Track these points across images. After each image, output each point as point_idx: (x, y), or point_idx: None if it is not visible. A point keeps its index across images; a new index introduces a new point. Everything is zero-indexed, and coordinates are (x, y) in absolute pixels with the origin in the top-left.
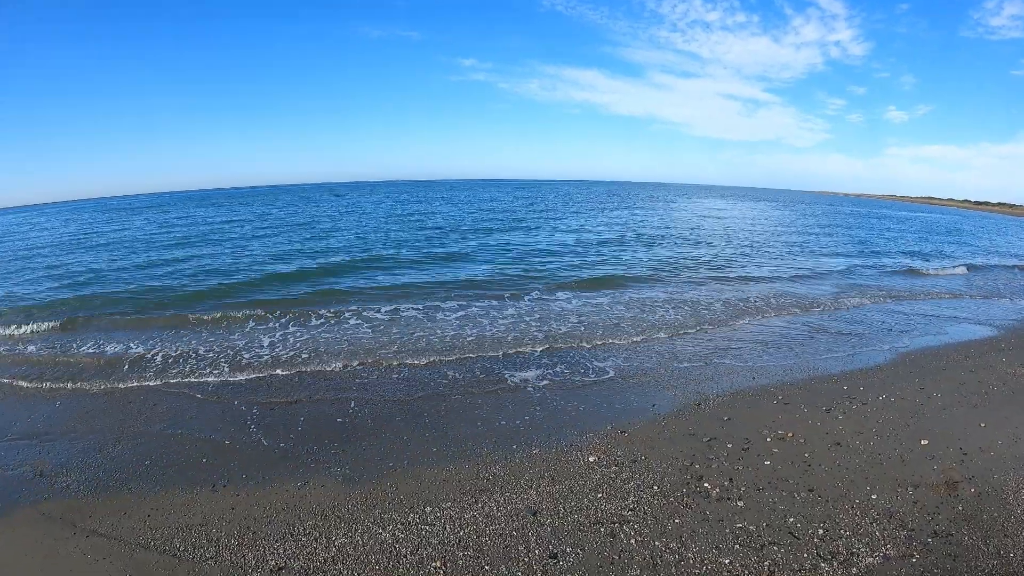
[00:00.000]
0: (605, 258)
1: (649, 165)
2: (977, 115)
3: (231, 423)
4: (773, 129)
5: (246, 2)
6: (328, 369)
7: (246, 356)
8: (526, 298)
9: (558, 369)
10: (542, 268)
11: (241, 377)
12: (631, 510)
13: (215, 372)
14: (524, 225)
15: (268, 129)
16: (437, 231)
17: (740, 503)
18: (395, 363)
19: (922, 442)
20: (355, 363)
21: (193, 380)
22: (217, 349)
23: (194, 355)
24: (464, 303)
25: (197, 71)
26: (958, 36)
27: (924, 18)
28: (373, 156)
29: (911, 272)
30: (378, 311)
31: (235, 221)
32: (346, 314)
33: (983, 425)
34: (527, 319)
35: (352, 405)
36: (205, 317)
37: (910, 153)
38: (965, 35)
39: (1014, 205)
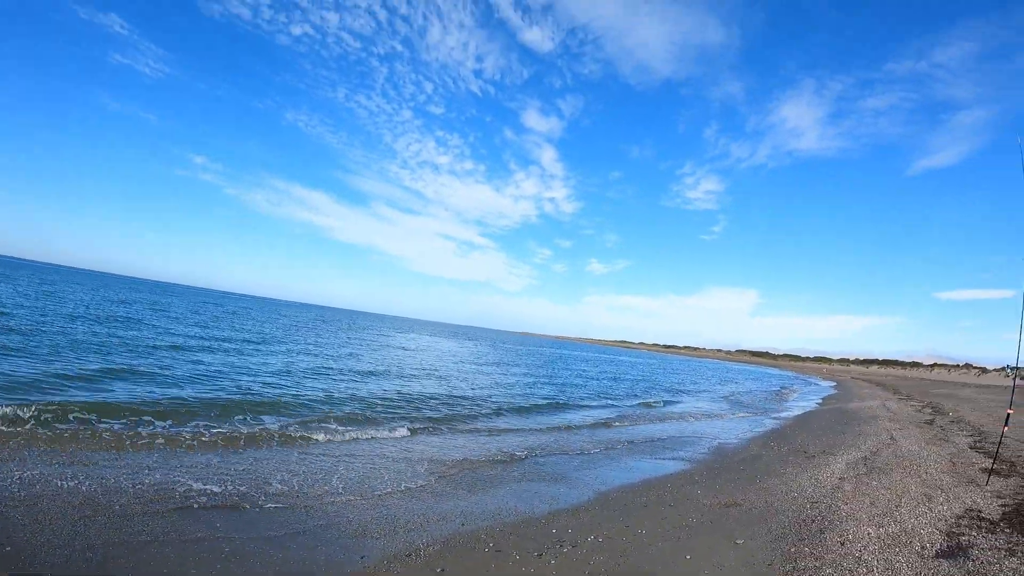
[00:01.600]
0: (304, 390)
1: (367, 295)
2: (668, 271)
3: None
4: (485, 271)
5: None
6: None
7: None
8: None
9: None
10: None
11: None
12: None
13: None
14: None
15: None
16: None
17: None
18: None
19: None
20: None
21: None
22: None
23: None
24: None
25: None
26: (659, 203)
27: (632, 186)
28: (71, 239)
29: (611, 408)
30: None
31: None
32: None
33: (688, 557)
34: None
35: None
36: None
37: (608, 301)
38: (665, 203)
39: (698, 348)
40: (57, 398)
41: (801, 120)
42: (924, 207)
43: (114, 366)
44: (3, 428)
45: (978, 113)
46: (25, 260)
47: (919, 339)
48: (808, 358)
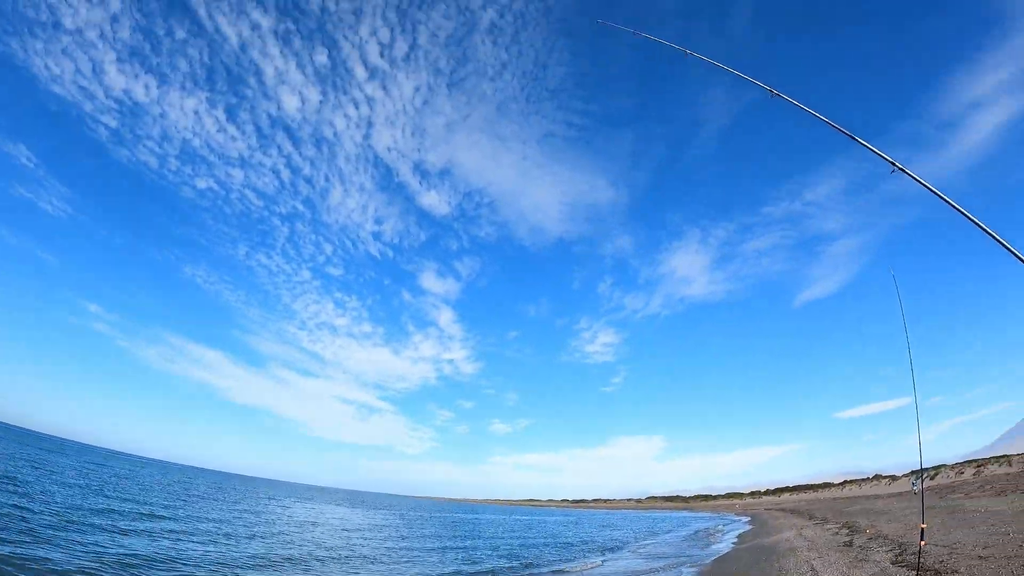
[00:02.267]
0: None
1: (264, 459)
2: (571, 426)
3: None
4: (385, 435)
5: None
6: None
7: None
8: None
9: None
10: None
11: None
12: None
13: None
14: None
15: None
16: None
17: None
18: None
19: None
20: None
21: None
22: None
23: None
24: None
25: None
26: (558, 359)
27: (531, 344)
28: None
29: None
30: None
31: None
32: None
33: None
34: None
35: None
36: None
37: (513, 460)
38: (564, 359)
39: (608, 500)
40: None
41: (690, 268)
42: (812, 335)
43: None
44: None
45: (850, 242)
46: None
47: (826, 460)
48: (719, 496)
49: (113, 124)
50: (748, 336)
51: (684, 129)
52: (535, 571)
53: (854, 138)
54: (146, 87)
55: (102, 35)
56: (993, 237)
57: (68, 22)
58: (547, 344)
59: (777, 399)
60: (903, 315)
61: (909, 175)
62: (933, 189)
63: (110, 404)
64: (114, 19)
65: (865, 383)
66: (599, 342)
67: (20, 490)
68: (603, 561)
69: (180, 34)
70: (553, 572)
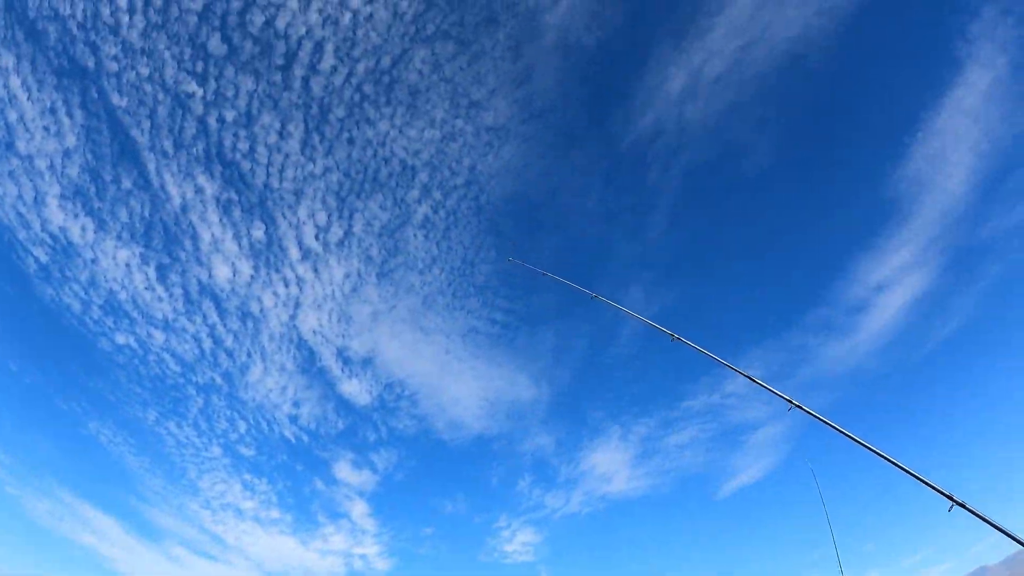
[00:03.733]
0: None
1: None
2: None
3: None
4: None
5: None
6: None
7: None
8: None
9: None
10: None
11: None
12: None
13: None
14: None
15: None
16: None
17: None
18: None
19: None
20: None
21: None
22: None
23: None
24: None
25: None
26: (476, 560)
27: (448, 541)
28: None
29: None
30: None
31: None
32: None
33: None
34: None
35: None
36: None
37: None
38: (482, 559)
39: None
40: None
41: (610, 465)
42: (740, 524)
43: None
44: None
45: (771, 429)
46: None
47: None
48: None
49: (44, 259)
50: (672, 531)
51: (606, 327)
52: None
53: (754, 380)
54: (83, 229)
55: (51, 167)
56: (878, 454)
57: (22, 146)
58: (464, 542)
59: None
60: (824, 506)
61: (805, 411)
62: (821, 418)
63: None
64: (66, 154)
65: (798, 566)
66: (518, 540)
67: None
68: None
69: (126, 184)
70: None
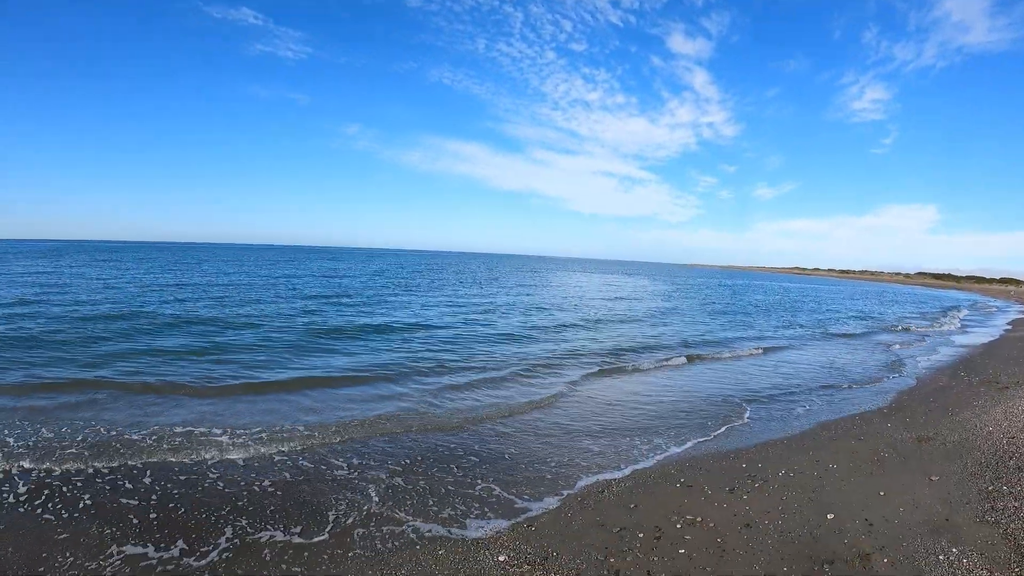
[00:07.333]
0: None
1: (529, 238)
2: (838, 191)
3: None
4: (649, 205)
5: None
6: None
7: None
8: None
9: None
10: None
11: None
12: None
13: None
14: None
15: (145, 181)
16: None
17: None
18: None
19: (828, 516)
20: None
21: None
22: None
23: None
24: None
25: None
26: (822, 118)
27: (792, 103)
28: (250, 218)
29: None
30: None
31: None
32: None
33: (883, 494)
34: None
35: None
36: None
37: (776, 227)
38: (828, 118)
39: (876, 272)
40: None
41: (966, 12)
42: None
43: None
44: None
45: None
46: (208, 243)
47: None
48: (994, 280)
49: None
50: None
51: None
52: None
53: None
54: None
55: None
56: None
57: None
58: (809, 102)
59: None
60: None
61: None
62: None
63: (382, 212)
64: None
65: None
66: (866, 98)
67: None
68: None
69: None
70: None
